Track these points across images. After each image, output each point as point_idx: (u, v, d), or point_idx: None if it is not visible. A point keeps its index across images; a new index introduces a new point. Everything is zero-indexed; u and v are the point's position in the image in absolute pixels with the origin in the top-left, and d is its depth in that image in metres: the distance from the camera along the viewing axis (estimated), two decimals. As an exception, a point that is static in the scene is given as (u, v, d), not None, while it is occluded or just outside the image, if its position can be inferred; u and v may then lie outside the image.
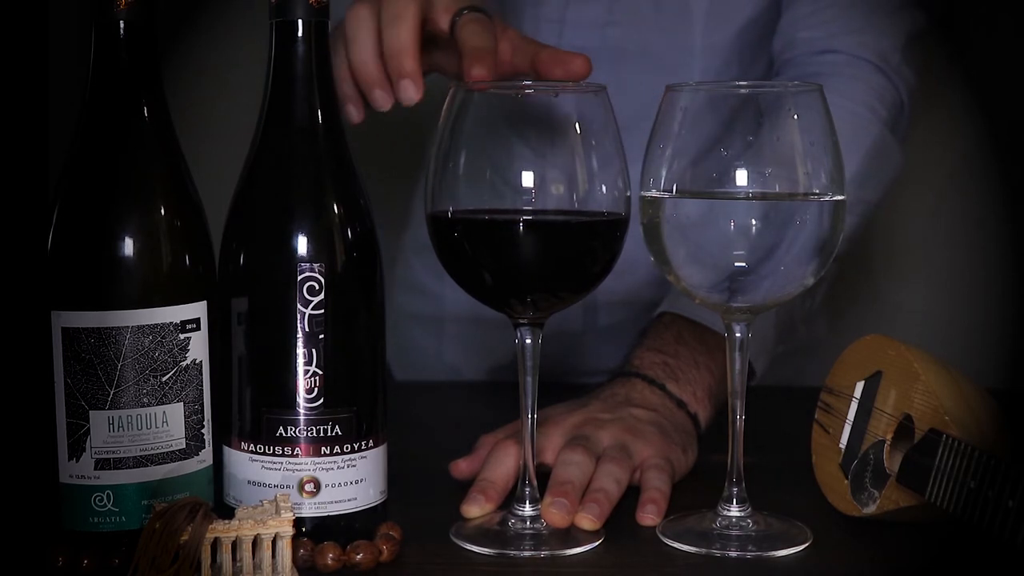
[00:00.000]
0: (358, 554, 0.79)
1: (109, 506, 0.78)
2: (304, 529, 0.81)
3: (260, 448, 0.81)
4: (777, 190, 0.81)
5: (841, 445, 0.90)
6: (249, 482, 0.81)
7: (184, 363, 0.80)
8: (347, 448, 0.81)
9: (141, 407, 0.78)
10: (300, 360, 0.80)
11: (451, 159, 0.81)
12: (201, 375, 0.81)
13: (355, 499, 0.82)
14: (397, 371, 1.45)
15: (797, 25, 1.26)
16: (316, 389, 0.80)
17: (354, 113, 1.00)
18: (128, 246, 0.78)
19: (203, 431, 0.81)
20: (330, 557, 0.78)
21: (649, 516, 0.88)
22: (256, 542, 0.75)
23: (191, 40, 1.74)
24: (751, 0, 1.27)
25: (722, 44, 1.27)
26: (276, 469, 0.81)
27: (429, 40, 0.98)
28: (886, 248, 1.77)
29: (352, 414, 0.82)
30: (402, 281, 1.46)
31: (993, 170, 1.75)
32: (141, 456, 0.79)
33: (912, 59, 1.25)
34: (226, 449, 0.82)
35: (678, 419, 1.01)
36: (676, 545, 0.84)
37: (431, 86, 1.07)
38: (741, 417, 0.86)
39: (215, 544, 0.74)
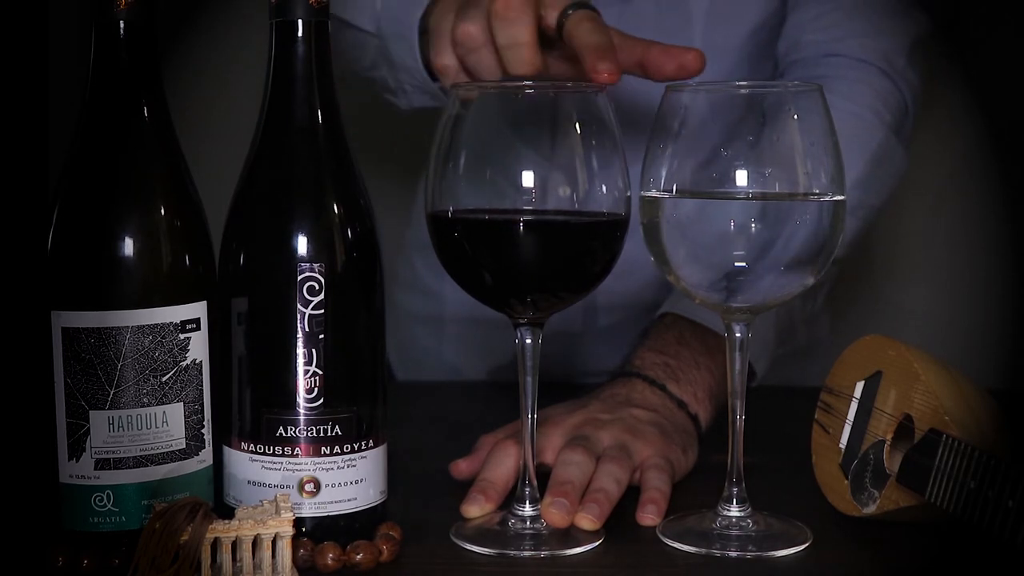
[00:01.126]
0: (358, 554, 0.79)
1: (109, 506, 0.78)
2: (304, 529, 0.81)
3: (260, 448, 0.81)
4: (777, 190, 0.81)
5: (841, 445, 0.90)
6: (249, 482, 0.81)
7: (184, 363, 0.80)
8: (347, 448, 0.81)
9: (141, 407, 0.78)
10: (300, 360, 0.80)
11: (451, 159, 0.81)
12: (201, 375, 0.81)
13: (355, 499, 0.82)
14: (398, 371, 1.45)
15: (802, 28, 1.26)
16: (316, 389, 0.80)
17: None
18: (128, 246, 0.78)
19: (203, 431, 0.81)
20: (330, 557, 0.78)
21: (649, 516, 0.88)
22: (256, 542, 0.75)
23: (191, 40, 1.74)
24: (753, 2, 1.26)
25: (731, 47, 1.27)
26: (276, 469, 0.81)
27: (541, 39, 0.96)
28: (886, 249, 1.77)
29: (352, 414, 0.82)
30: (403, 281, 1.46)
31: (993, 170, 1.75)
32: (141, 456, 0.79)
33: (916, 63, 1.25)
34: (226, 449, 0.82)
35: (678, 420, 1.01)
36: (676, 545, 0.84)
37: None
38: (741, 417, 0.86)
39: (215, 544, 0.74)
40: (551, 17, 0.96)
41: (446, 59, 0.99)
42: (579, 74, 0.94)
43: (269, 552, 0.75)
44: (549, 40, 0.97)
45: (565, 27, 0.95)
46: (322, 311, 0.80)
